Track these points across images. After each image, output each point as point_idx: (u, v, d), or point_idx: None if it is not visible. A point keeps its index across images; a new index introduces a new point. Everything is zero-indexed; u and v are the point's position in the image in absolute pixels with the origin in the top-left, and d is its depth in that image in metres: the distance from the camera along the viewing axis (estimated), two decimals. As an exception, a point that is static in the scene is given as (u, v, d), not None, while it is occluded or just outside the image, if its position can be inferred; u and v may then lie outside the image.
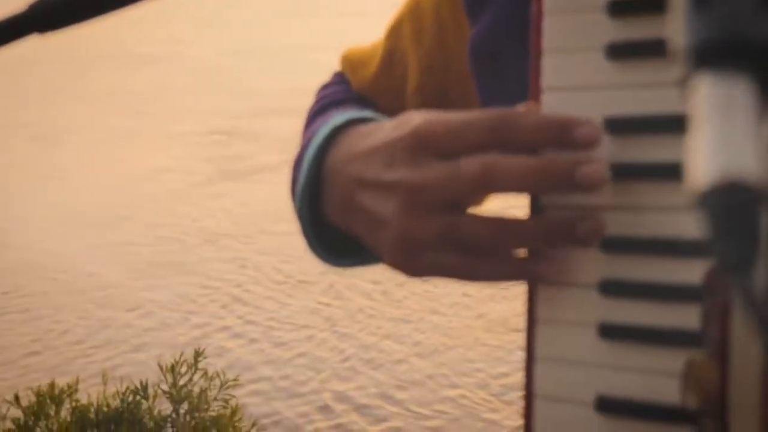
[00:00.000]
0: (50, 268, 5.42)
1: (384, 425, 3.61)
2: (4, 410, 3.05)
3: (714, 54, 0.30)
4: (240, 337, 4.49)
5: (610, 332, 0.54)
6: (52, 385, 3.04)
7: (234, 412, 3.16)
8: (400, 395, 3.80)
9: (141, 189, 6.87)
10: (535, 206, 0.57)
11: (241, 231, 5.91)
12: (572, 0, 0.56)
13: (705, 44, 0.30)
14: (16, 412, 2.88)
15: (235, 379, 3.27)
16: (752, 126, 0.29)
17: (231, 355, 4.30)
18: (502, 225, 0.57)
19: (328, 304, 4.75)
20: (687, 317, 0.51)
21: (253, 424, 3.34)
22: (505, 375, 3.90)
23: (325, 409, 3.77)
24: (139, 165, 7.47)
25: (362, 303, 4.70)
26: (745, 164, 0.28)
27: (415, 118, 0.59)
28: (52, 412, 3.00)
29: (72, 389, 3.09)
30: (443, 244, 0.58)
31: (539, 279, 0.57)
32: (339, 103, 0.82)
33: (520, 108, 0.56)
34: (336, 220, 0.68)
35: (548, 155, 0.55)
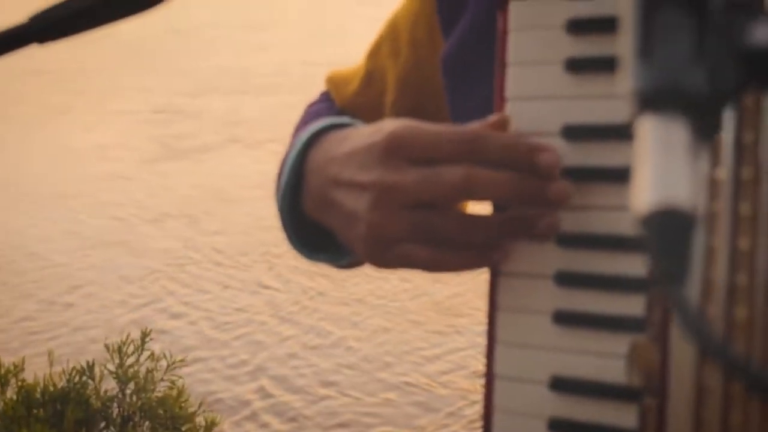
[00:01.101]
0: (-10, 247, 5.34)
1: (322, 407, 3.65)
2: (-52, 389, 3.03)
3: (654, 99, 0.35)
4: (181, 318, 4.49)
5: (563, 319, 0.60)
6: (-3, 365, 3.02)
7: (180, 393, 3.17)
8: (338, 378, 3.84)
9: (82, 167, 6.77)
10: (497, 205, 0.63)
11: (185, 211, 5.88)
12: (535, 18, 0.61)
13: (647, 90, 0.35)
14: (-40, 392, 2.87)
15: (181, 360, 3.29)
16: (688, 161, 0.35)
17: (172, 336, 4.30)
18: (468, 221, 0.63)
19: (268, 287, 4.77)
20: (632, 305, 0.57)
21: (200, 404, 3.35)
22: (440, 357, 3.97)
23: (262, 391, 3.80)
24: (78, 143, 7.35)
25: (304, 286, 4.72)
26: (680, 194, 0.34)
27: (390, 124, 0.64)
28: (-3, 392, 2.98)
29: (18, 369, 3.07)
30: (412, 238, 0.63)
31: (499, 268, 0.63)
32: (323, 116, 0.87)
33: (492, 118, 0.62)
34: (314, 216, 0.73)
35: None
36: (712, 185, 0.50)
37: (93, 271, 5.05)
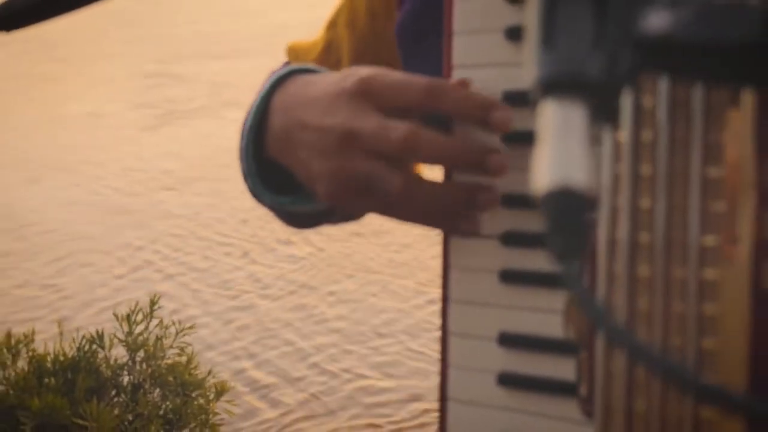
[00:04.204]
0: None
1: (323, 371, 3.68)
2: (-41, 361, 3.07)
3: (556, 85, 0.37)
4: (186, 286, 4.51)
5: (509, 277, 0.63)
6: (8, 336, 3.07)
7: (190, 359, 3.21)
8: (337, 344, 3.86)
9: (76, 135, 6.73)
10: (447, 175, 0.66)
11: (186, 176, 5.85)
12: (477, -12, 0.63)
13: (549, 77, 0.37)
14: (-28, 364, 2.91)
15: (190, 327, 3.32)
16: (585, 144, 0.36)
17: (177, 303, 4.33)
18: (413, 182, 0.66)
19: (273, 250, 4.77)
20: (572, 263, 0.60)
21: (209, 371, 3.39)
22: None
23: (261, 356, 3.82)
24: (70, 110, 7.28)
25: (312, 248, 4.74)
26: (576, 175, 0.36)
27: (361, 71, 0.66)
28: (9, 362, 3.03)
29: (28, 339, 3.11)
30: (365, 183, 0.66)
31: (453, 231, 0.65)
32: None
33: (454, 81, 0.64)
34: (275, 156, 0.75)
35: (465, 138, 0.64)
36: (615, 148, 0.52)
37: (97, 240, 5.08)
